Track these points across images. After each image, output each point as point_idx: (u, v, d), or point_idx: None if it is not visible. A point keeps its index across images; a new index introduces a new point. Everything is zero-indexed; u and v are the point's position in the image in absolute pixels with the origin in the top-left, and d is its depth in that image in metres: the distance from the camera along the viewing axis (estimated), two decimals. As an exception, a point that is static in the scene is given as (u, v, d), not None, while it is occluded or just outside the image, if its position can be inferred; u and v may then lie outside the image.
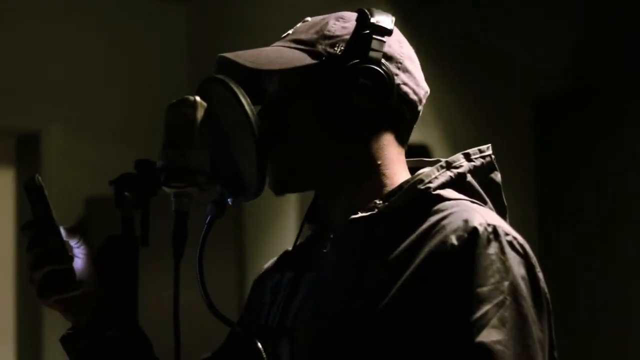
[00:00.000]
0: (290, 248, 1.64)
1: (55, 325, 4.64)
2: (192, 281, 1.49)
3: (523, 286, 1.34)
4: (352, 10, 1.51)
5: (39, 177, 1.43)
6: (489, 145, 1.51)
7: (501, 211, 1.49)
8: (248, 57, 1.46)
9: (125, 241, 1.37)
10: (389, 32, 1.46)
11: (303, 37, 1.48)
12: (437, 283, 1.34)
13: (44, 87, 4.77)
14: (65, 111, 4.82)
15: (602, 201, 3.07)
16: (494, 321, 1.31)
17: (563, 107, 3.19)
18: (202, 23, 5.18)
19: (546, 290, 1.38)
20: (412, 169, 1.52)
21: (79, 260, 1.47)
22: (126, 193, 1.37)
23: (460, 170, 1.47)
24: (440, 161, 1.51)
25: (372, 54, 1.43)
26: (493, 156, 1.50)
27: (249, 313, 1.62)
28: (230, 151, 1.44)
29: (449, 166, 1.47)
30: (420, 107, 1.51)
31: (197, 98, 1.41)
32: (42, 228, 1.42)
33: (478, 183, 1.49)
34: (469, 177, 1.47)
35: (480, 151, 1.50)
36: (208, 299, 1.49)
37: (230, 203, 1.48)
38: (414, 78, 1.49)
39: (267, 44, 1.57)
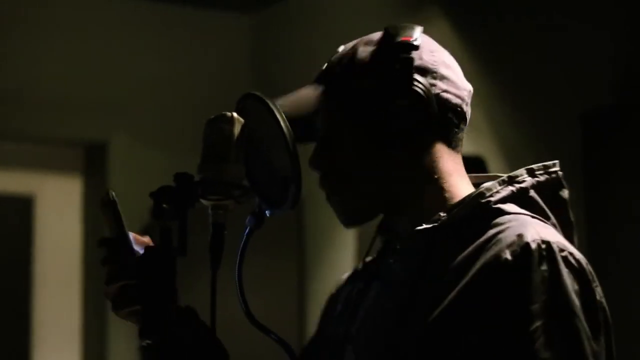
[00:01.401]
0: (367, 259, 1.67)
1: (120, 333, 4.71)
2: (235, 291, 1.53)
3: (577, 302, 1.35)
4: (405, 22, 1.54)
5: (113, 193, 1.47)
6: (556, 161, 1.52)
7: (567, 227, 1.50)
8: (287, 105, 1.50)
9: (164, 251, 1.40)
10: (415, 47, 1.48)
11: (337, 70, 1.52)
12: (490, 297, 1.36)
13: (112, 98, 4.86)
14: (132, 122, 4.90)
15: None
16: (543, 339, 1.32)
17: (611, 120, 3.18)
18: (266, 33, 5.22)
19: (604, 304, 1.39)
20: (476, 185, 1.53)
21: None
22: (164, 205, 1.41)
23: (522, 185, 1.48)
24: (498, 177, 1.53)
25: (404, 74, 1.46)
26: (561, 172, 1.51)
27: (324, 323, 1.67)
28: (266, 165, 1.47)
29: (511, 181, 1.48)
30: (466, 108, 1.52)
31: (234, 114, 1.45)
32: (115, 244, 1.47)
33: (543, 199, 1.49)
34: (532, 193, 1.48)
35: (546, 167, 1.50)
36: (247, 309, 1.53)
37: (268, 215, 1.52)
38: (452, 82, 1.50)
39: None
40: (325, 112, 1.51)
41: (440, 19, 3.88)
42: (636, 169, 3.08)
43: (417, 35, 1.49)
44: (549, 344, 1.32)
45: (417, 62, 1.48)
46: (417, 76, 1.47)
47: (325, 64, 1.56)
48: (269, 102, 1.45)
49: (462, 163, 1.54)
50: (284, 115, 1.44)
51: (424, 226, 1.47)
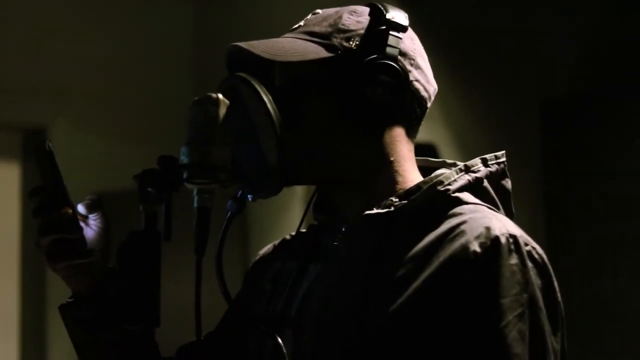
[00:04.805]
0: (288, 236, 1.65)
1: (60, 321, 4.64)
2: (207, 277, 1.50)
3: (541, 298, 1.36)
4: (361, 4, 1.53)
5: (50, 143, 1.44)
6: (504, 152, 1.52)
7: (510, 217, 1.49)
8: (263, 47, 1.47)
9: (149, 236, 1.37)
10: (404, 29, 1.48)
11: (317, 29, 1.49)
12: (458, 288, 1.35)
13: (52, 83, 4.78)
14: (71, 107, 4.83)
15: (610, 203, 3.08)
16: (514, 333, 1.32)
17: (569, 108, 3.20)
18: (209, 19, 5.18)
19: (560, 299, 1.40)
20: (420, 168, 1.54)
21: (92, 230, 1.53)
22: (149, 188, 1.38)
23: (478, 174, 1.48)
24: (446, 163, 1.54)
25: (389, 50, 1.45)
26: (506, 163, 1.52)
27: (248, 299, 1.63)
28: (251, 148, 1.45)
29: (467, 170, 1.48)
30: (429, 104, 1.52)
31: (220, 95, 1.41)
32: (51, 194, 1.45)
33: (492, 188, 1.50)
34: (485, 182, 1.49)
35: (496, 157, 1.51)
36: (227, 294, 1.53)
37: (250, 200, 1.49)
38: (424, 75, 1.51)
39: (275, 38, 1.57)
40: (300, 66, 1.47)
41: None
42: (595, 157, 3.11)
43: (405, 18, 1.49)
44: (520, 338, 1.33)
45: (400, 45, 1.47)
46: (399, 57, 1.46)
47: (303, 22, 1.54)
48: (255, 84, 1.43)
49: (414, 153, 1.53)
50: (271, 98, 1.42)
51: (376, 211, 1.45)
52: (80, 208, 1.54)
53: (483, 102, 3.52)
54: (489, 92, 3.52)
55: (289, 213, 4.09)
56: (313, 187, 1.60)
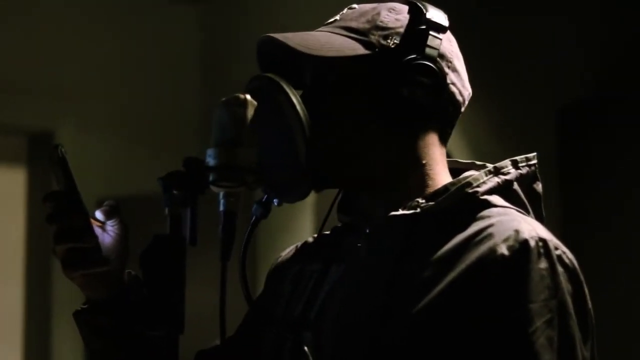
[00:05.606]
0: (310, 239, 1.62)
1: (64, 327, 4.61)
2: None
3: (570, 304, 1.33)
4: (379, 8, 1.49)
5: (62, 149, 1.41)
6: (535, 154, 1.49)
7: (540, 222, 1.46)
8: (298, 40, 1.43)
9: (173, 239, 1.33)
10: (444, 30, 1.45)
11: (354, 25, 1.46)
12: (485, 292, 1.32)
13: (58, 86, 4.76)
14: (78, 111, 4.81)
15: (626, 208, 3.07)
16: (542, 340, 1.29)
17: (586, 115, 3.19)
18: (215, 24, 5.18)
19: (590, 306, 1.37)
20: (452, 171, 1.50)
21: (109, 236, 1.49)
22: (174, 191, 1.34)
23: (507, 177, 1.44)
24: (475, 164, 1.50)
25: (428, 50, 1.42)
26: (537, 165, 1.48)
27: (266, 302, 1.59)
28: (279, 150, 1.41)
29: (497, 172, 1.44)
30: (463, 108, 1.49)
31: (248, 96, 1.38)
32: (65, 201, 1.42)
33: (522, 191, 1.46)
34: (515, 185, 1.45)
35: (527, 159, 1.47)
36: (250, 298, 1.50)
37: (276, 204, 1.46)
38: (461, 79, 1.48)
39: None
40: (336, 62, 1.43)
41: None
42: (611, 162, 3.10)
43: (445, 19, 1.46)
44: (549, 345, 1.30)
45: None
46: (437, 58, 1.43)
47: (339, 16, 1.50)
48: (284, 85, 1.39)
49: (446, 157, 1.50)
50: (300, 100, 1.39)
51: (401, 212, 1.41)
52: (99, 214, 1.51)
53: (498, 109, 3.50)
54: (504, 98, 3.51)
55: (299, 218, 4.06)
56: (325, 193, 1.56)
